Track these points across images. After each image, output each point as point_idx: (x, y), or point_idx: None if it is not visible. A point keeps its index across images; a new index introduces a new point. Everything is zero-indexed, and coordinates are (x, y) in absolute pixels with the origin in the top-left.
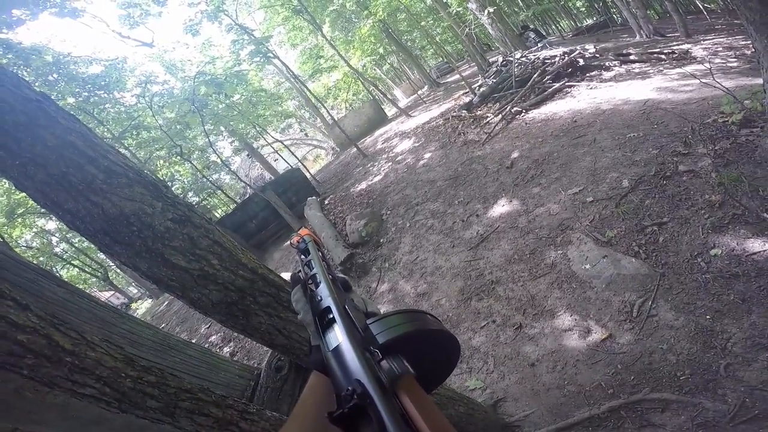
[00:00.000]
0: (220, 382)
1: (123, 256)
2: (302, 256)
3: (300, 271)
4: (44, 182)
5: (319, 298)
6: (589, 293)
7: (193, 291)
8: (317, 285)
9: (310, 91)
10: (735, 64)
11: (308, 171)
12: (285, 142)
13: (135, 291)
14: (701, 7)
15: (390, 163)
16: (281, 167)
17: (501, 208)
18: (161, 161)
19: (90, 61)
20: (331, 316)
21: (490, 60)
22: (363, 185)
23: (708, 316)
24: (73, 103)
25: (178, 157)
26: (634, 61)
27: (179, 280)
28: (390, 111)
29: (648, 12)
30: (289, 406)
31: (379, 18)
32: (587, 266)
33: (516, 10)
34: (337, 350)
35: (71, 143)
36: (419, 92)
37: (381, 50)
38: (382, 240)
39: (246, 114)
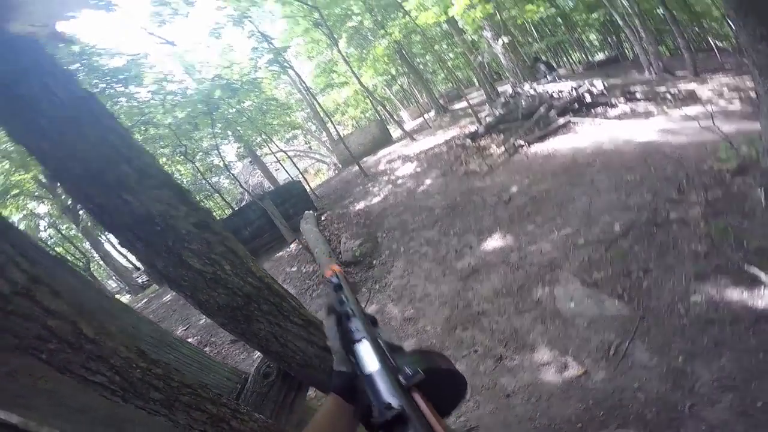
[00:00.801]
0: (209, 382)
1: (142, 253)
2: (335, 290)
3: (332, 302)
4: (80, 176)
5: (354, 329)
6: (571, 331)
7: (202, 293)
8: (350, 318)
9: (320, 104)
10: (738, 107)
11: (308, 184)
12: (289, 153)
13: (114, 285)
14: (713, 44)
15: (390, 186)
16: (282, 178)
17: (495, 242)
18: (164, 159)
19: (114, 54)
20: (364, 345)
21: (499, 89)
22: (361, 205)
23: (681, 358)
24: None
25: (182, 157)
26: (639, 99)
27: (192, 281)
28: (395, 133)
29: (660, 48)
30: (272, 411)
31: (394, 39)
32: (572, 305)
33: (530, 40)
34: (370, 377)
35: (111, 142)
36: (426, 116)
37: (393, 71)
38: (375, 262)
39: (255, 121)
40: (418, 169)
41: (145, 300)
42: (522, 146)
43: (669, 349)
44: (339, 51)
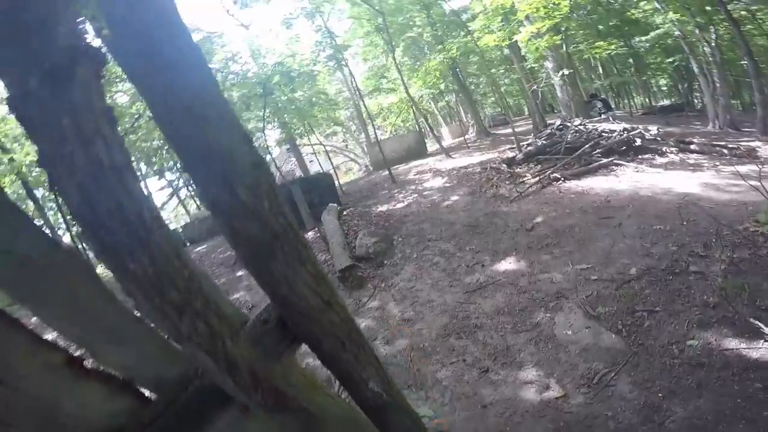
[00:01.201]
0: None
1: (202, 176)
2: None
3: None
4: (174, 108)
5: None
6: (562, 355)
7: (239, 221)
8: None
9: (365, 105)
10: None
11: (338, 179)
12: (326, 147)
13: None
14: None
15: (416, 195)
16: (314, 169)
17: (507, 264)
18: None
19: (194, 30)
20: None
21: (548, 122)
22: (384, 208)
23: (660, 395)
24: None
25: None
26: (693, 151)
27: (234, 208)
28: (431, 147)
29: (733, 101)
30: (263, 356)
31: (451, 56)
32: (569, 332)
33: (593, 77)
34: None
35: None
36: (466, 136)
37: (442, 86)
38: (386, 262)
39: (302, 111)
40: (447, 185)
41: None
42: (557, 180)
43: (652, 385)
44: (394, 58)
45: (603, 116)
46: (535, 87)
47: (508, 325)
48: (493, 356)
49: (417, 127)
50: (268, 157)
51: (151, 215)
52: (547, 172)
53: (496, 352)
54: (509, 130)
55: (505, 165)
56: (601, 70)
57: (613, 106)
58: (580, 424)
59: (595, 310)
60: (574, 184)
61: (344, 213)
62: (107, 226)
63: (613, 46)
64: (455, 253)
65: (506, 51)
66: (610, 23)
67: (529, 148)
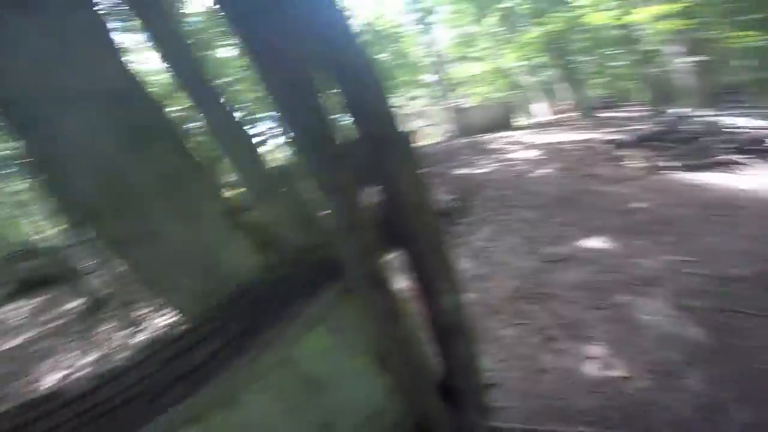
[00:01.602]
0: None
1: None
2: None
3: None
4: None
5: None
6: (636, 339)
7: (372, 126)
8: None
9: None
10: None
11: (416, 142)
12: (406, 110)
13: None
14: None
15: (499, 164)
16: None
17: (596, 242)
18: None
19: None
20: None
21: (665, 109)
22: (463, 171)
23: (730, 398)
24: None
25: None
26: None
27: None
28: (522, 120)
29: None
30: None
31: (553, 30)
32: (650, 317)
33: (726, 67)
34: None
35: None
36: (565, 114)
37: (539, 60)
38: (462, 221)
39: (386, 72)
40: (536, 157)
41: None
42: (667, 168)
43: (724, 386)
44: (484, 27)
45: (734, 112)
46: (653, 71)
47: (585, 300)
48: (563, 327)
49: (507, 99)
50: None
51: None
52: (657, 159)
53: (565, 323)
54: (616, 114)
55: (608, 145)
56: (738, 62)
57: (748, 102)
58: (635, 407)
59: (685, 301)
60: (685, 176)
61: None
62: None
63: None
64: (538, 224)
65: (619, 30)
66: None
67: (640, 131)
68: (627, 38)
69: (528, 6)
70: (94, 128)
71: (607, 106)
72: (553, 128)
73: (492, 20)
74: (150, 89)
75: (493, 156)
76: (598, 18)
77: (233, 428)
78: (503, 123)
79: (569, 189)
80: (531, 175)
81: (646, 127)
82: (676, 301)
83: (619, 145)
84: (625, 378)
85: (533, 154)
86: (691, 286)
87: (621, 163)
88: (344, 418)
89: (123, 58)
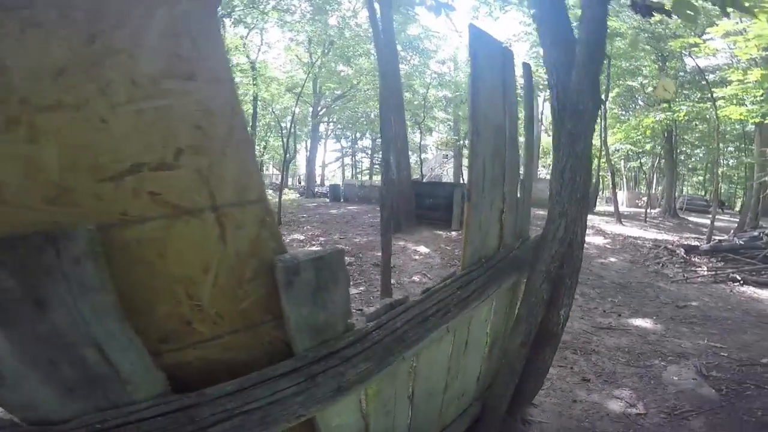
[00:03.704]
0: None
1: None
2: None
3: None
4: None
5: None
6: (659, 391)
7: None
8: None
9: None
10: None
11: None
12: None
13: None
14: None
15: None
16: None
17: (643, 322)
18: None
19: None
20: None
21: (760, 226)
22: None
23: None
24: None
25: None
26: None
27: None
28: (599, 207)
29: None
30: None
31: (675, 117)
32: (675, 378)
33: None
34: None
35: None
36: (648, 209)
37: (648, 147)
38: None
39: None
40: (607, 246)
41: (315, 204)
42: (735, 281)
43: (720, 429)
44: (604, 103)
45: None
46: (764, 180)
47: (622, 359)
48: (598, 374)
49: (594, 179)
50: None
51: None
52: (728, 271)
53: (602, 372)
54: (704, 221)
55: (682, 249)
56: None
57: None
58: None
59: (708, 372)
60: (751, 290)
61: None
62: None
63: None
64: (595, 298)
65: (749, 127)
66: None
67: (722, 243)
68: (750, 138)
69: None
70: None
71: (696, 210)
72: (632, 221)
73: (610, 95)
74: None
75: None
76: (733, 112)
77: (446, 346)
78: None
79: (630, 279)
80: (598, 260)
81: (729, 239)
82: (700, 370)
83: (691, 250)
84: (642, 414)
85: (604, 241)
86: (715, 363)
87: (691, 267)
88: (465, 376)
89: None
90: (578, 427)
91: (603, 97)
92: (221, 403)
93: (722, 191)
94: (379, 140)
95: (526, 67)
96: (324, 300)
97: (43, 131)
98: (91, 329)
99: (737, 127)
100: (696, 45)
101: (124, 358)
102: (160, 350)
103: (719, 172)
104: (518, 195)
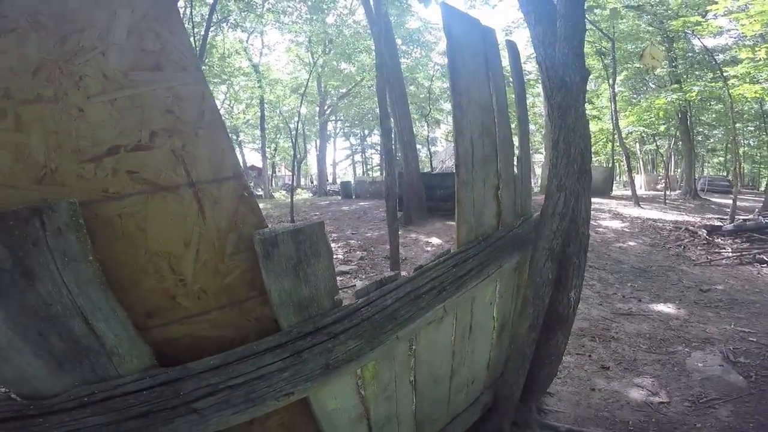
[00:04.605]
0: None
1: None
2: None
3: None
4: None
5: None
6: (683, 378)
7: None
8: None
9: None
10: None
11: None
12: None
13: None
14: None
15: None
16: None
17: (665, 307)
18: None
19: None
20: None
21: None
22: None
23: (752, 426)
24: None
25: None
26: None
27: None
28: (617, 191)
29: None
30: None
31: (687, 98)
32: (700, 364)
33: None
34: None
35: None
36: (667, 192)
37: (662, 128)
38: None
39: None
40: (626, 229)
41: (327, 202)
42: (763, 262)
43: (749, 418)
44: (612, 86)
45: None
46: None
47: (644, 346)
48: (618, 362)
49: (610, 163)
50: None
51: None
52: (754, 251)
53: (622, 360)
54: (727, 201)
55: (704, 230)
56: None
57: None
58: (669, 425)
59: (736, 358)
60: None
61: None
62: None
63: None
64: (614, 284)
65: (767, 106)
66: None
67: (746, 221)
68: None
69: (665, 69)
70: None
71: (718, 190)
72: (651, 203)
73: (618, 79)
74: None
75: None
76: (747, 90)
77: (447, 328)
78: (601, 188)
79: (651, 263)
80: (616, 244)
81: (754, 218)
82: (726, 356)
83: (713, 231)
84: (665, 403)
85: (622, 225)
86: (742, 348)
87: (714, 249)
88: (473, 362)
89: None
90: (596, 417)
91: (610, 80)
92: (205, 378)
93: (745, 171)
94: None
95: (510, 43)
96: (306, 273)
97: (28, 121)
98: (76, 299)
99: (755, 106)
100: (699, 23)
101: (109, 329)
102: (148, 325)
103: (740, 152)
104: (515, 172)
